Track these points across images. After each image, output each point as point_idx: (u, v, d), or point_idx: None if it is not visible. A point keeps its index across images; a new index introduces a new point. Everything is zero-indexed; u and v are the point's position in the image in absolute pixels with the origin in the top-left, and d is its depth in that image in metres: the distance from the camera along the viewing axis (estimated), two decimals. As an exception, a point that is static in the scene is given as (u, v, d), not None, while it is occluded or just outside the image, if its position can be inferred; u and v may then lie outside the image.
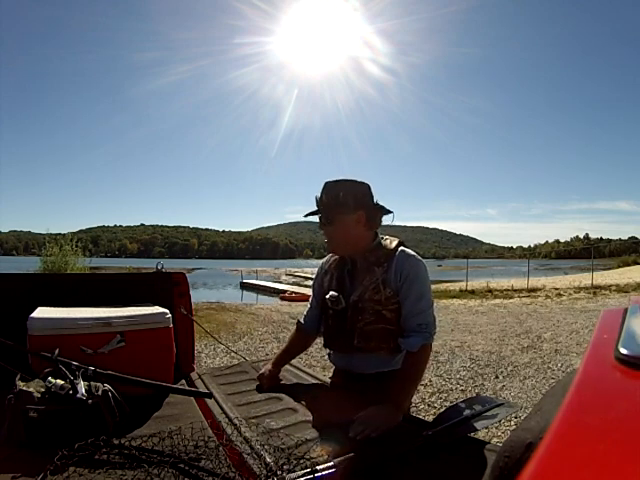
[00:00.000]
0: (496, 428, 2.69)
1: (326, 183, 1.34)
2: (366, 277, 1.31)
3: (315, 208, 1.36)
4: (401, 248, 1.34)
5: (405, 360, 1.25)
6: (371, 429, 1.01)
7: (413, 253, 1.33)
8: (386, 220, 1.40)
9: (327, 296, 1.37)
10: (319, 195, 1.34)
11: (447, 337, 5.95)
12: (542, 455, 0.31)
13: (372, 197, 1.35)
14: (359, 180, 1.36)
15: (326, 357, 1.50)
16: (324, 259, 1.52)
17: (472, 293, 12.55)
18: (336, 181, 1.34)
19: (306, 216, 1.38)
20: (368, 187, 1.36)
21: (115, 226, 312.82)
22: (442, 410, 1.16)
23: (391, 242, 1.36)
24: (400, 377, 1.23)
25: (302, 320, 1.52)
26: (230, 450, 0.92)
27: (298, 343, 1.55)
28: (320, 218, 1.35)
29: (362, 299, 1.29)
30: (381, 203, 1.36)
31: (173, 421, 1.12)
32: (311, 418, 1.11)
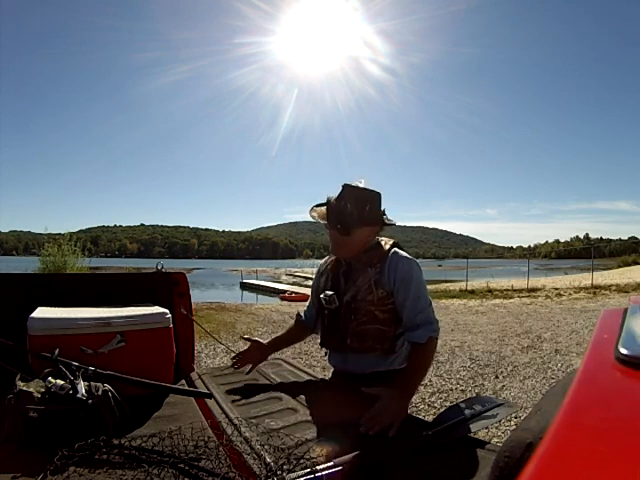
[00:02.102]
0: (496, 428, 2.69)
1: (345, 186, 1.28)
2: (359, 277, 1.32)
3: (320, 202, 1.33)
4: (394, 250, 1.34)
5: (413, 352, 1.25)
6: (382, 425, 1.00)
7: (405, 254, 1.33)
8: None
9: (321, 295, 1.39)
10: (336, 197, 1.27)
11: (447, 337, 5.95)
12: (542, 455, 0.31)
13: (381, 206, 1.34)
14: (373, 189, 1.32)
15: (325, 357, 1.50)
16: (322, 261, 1.54)
17: (472, 293, 12.54)
18: (357, 188, 1.29)
19: (317, 206, 1.34)
20: (380, 197, 1.33)
21: (115, 226, 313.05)
22: (442, 410, 1.16)
23: (385, 243, 1.37)
24: (408, 368, 1.24)
25: (302, 314, 1.57)
26: (230, 450, 0.92)
27: (295, 333, 1.59)
28: (334, 222, 1.29)
29: (355, 299, 1.30)
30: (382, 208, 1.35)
31: (173, 421, 1.11)
32: (311, 418, 1.11)
